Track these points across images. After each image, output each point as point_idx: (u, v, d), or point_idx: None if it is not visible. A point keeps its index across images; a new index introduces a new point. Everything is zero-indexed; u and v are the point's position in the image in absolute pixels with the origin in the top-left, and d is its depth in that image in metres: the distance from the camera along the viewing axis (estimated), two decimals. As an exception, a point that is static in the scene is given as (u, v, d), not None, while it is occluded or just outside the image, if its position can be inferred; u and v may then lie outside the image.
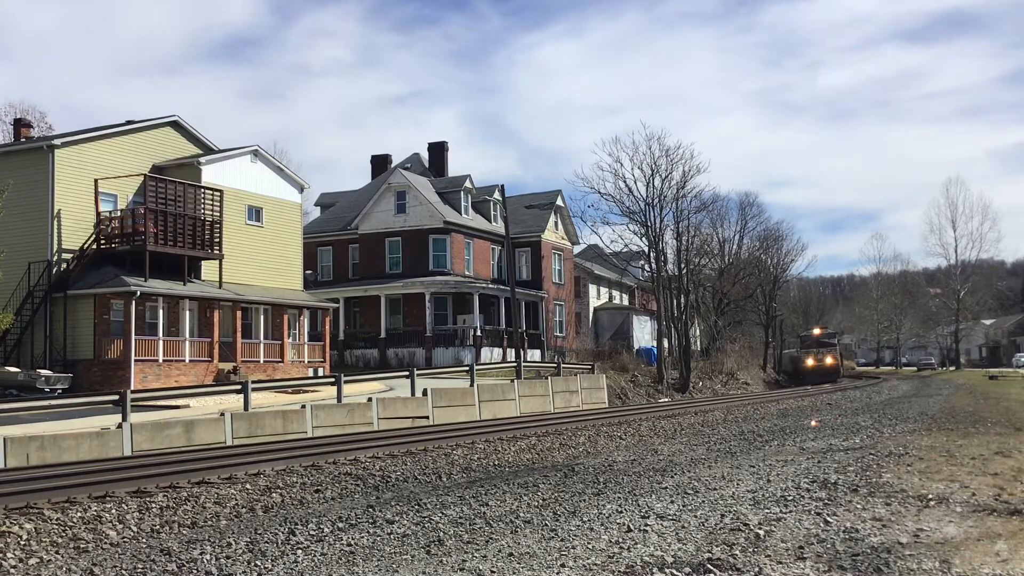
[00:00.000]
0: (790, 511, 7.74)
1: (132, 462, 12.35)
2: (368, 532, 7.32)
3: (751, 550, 6.24)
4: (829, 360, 62.40)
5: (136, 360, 26.70)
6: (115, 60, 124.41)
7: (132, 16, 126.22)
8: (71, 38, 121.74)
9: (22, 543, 7.09)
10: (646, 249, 60.57)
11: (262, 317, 32.75)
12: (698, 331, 63.70)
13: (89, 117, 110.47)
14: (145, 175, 29.33)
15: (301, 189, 36.70)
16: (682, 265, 62.39)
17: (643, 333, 55.18)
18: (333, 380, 22.24)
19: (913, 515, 7.52)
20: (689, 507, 8.07)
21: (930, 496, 8.39)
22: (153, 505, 8.83)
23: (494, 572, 5.85)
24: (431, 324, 41.21)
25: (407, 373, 24.87)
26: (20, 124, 36.30)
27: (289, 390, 24.06)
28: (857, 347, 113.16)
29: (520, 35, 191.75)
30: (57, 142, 28.61)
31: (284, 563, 6.28)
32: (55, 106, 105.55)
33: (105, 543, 7.20)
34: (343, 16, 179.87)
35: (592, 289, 55.92)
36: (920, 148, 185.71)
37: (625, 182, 59.75)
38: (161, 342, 27.94)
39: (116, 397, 17.11)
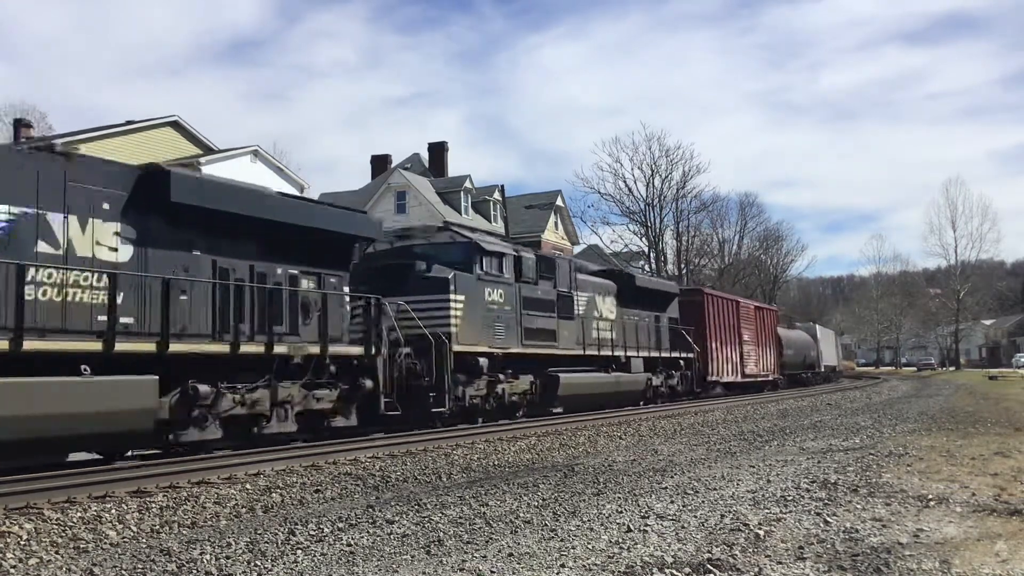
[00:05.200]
0: (790, 511, 7.74)
1: (132, 462, 12.33)
2: (368, 532, 7.32)
3: (751, 550, 6.24)
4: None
5: (137, 360, 26.42)
6: (119, 61, 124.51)
7: (136, 18, 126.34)
8: (75, 39, 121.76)
9: (22, 543, 7.08)
10: (646, 249, 60.57)
11: (262, 317, 32.73)
12: (698, 331, 63.65)
13: (93, 118, 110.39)
14: (145, 175, 29.27)
15: (301, 189, 36.78)
16: (682, 265, 62.41)
17: (642, 333, 54.90)
18: (333, 380, 21.98)
19: (913, 515, 7.52)
20: (689, 507, 8.07)
21: (930, 496, 8.39)
22: (153, 505, 8.83)
23: (494, 572, 5.85)
24: (431, 324, 41.15)
25: (407, 373, 24.75)
26: (20, 124, 36.39)
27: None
28: (857, 347, 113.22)
29: (523, 36, 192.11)
30: (57, 142, 28.62)
31: (284, 563, 6.28)
32: (58, 107, 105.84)
33: (105, 543, 7.20)
34: (347, 17, 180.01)
35: (592, 289, 55.96)
36: (921, 149, 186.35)
37: (625, 182, 60.06)
38: (162, 342, 27.70)
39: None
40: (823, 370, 54.97)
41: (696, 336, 30.89)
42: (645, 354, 26.58)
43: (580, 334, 22.56)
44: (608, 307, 24.84)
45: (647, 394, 26.97)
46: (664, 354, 28.40)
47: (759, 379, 39.37)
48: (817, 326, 57.65)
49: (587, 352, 22.88)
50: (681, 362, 29.93)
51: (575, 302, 22.43)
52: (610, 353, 24.23)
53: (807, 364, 50.42)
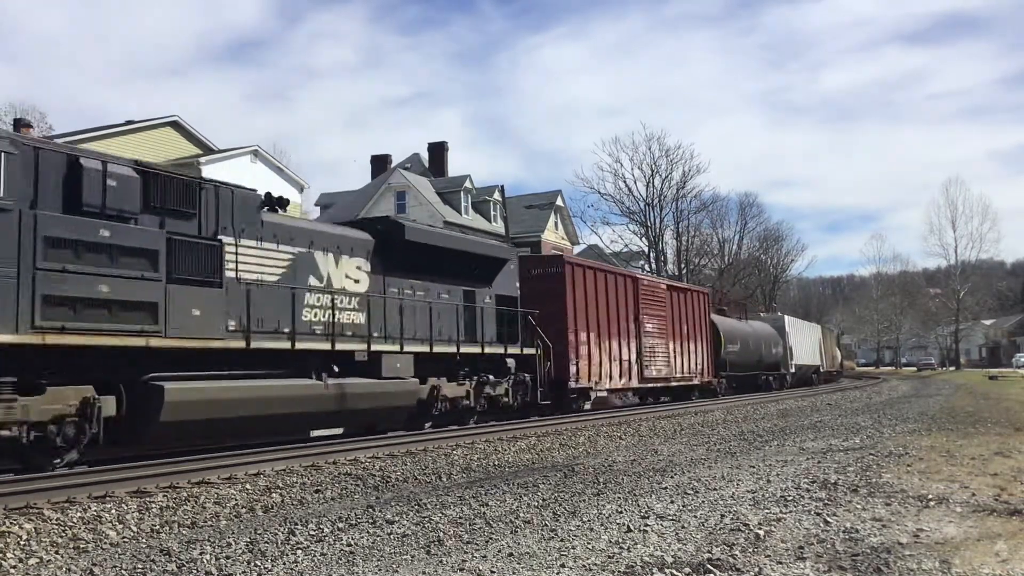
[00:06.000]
0: (790, 511, 7.74)
1: (132, 462, 12.33)
2: (368, 532, 7.32)
3: (751, 550, 6.24)
4: None
5: (137, 360, 26.33)
6: (119, 61, 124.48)
7: (138, 19, 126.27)
8: (75, 39, 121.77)
9: (22, 543, 7.08)
10: (646, 249, 60.60)
11: (262, 317, 32.72)
12: (698, 331, 63.45)
13: (93, 118, 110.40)
14: (145, 175, 29.26)
15: (301, 189, 36.79)
16: (682, 265, 62.39)
17: (641, 333, 54.39)
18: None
19: (913, 515, 7.52)
20: (689, 507, 8.08)
21: (930, 496, 8.39)
22: (153, 505, 8.84)
23: (494, 572, 5.85)
24: (431, 324, 41.04)
25: (407, 373, 24.61)
26: (20, 124, 36.34)
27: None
28: (857, 347, 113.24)
29: (523, 37, 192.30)
30: (57, 142, 28.61)
31: (284, 563, 6.28)
32: (58, 107, 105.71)
33: (105, 543, 7.20)
34: (348, 18, 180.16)
35: (592, 289, 55.81)
36: (921, 149, 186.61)
37: (625, 182, 60.05)
38: (161, 342, 27.64)
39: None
40: (793, 371, 43.97)
41: (551, 324, 21.12)
42: (421, 348, 16.70)
43: (243, 313, 13.08)
44: (350, 272, 15.49)
45: (435, 409, 17.26)
46: (474, 349, 18.32)
47: (674, 384, 28.88)
48: (787, 317, 47.79)
49: (255, 344, 13.21)
50: (510, 361, 19.67)
51: (228, 256, 12.95)
52: (327, 347, 14.68)
53: (766, 364, 39.94)
